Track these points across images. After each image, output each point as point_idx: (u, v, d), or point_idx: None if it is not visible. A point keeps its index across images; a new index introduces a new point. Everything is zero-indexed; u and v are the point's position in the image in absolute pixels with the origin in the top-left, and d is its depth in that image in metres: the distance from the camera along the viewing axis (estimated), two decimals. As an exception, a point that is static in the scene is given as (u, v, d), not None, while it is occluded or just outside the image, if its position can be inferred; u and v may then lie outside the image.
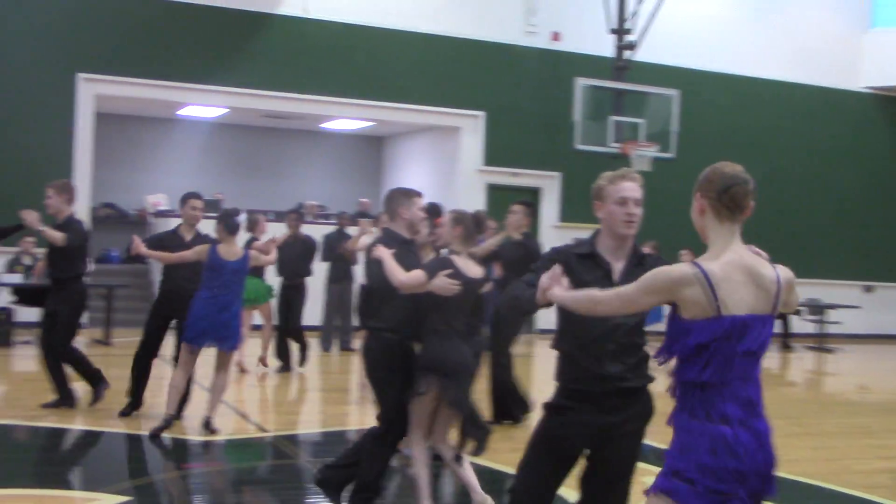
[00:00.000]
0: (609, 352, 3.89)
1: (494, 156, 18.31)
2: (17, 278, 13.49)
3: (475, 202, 18.08)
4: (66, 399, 8.78)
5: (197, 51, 16.23)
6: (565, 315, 3.90)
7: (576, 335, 3.92)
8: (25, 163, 15.05)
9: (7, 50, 15.06)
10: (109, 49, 15.71)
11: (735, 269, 3.28)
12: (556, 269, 3.64)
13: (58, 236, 8.25)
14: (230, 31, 16.47)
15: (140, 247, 8.15)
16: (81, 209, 15.49)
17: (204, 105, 17.60)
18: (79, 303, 8.75)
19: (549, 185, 18.63)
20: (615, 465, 4.00)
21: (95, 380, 8.96)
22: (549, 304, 3.74)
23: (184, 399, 8.23)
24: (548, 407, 4.03)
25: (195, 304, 7.76)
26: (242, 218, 9.57)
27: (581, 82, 17.10)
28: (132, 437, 8.06)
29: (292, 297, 11.98)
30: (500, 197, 18.45)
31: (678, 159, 17.99)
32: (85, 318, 14.99)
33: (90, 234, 9.14)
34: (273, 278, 12.09)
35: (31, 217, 8.34)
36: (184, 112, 18.64)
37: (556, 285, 3.61)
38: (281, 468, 7.43)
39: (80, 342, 14.20)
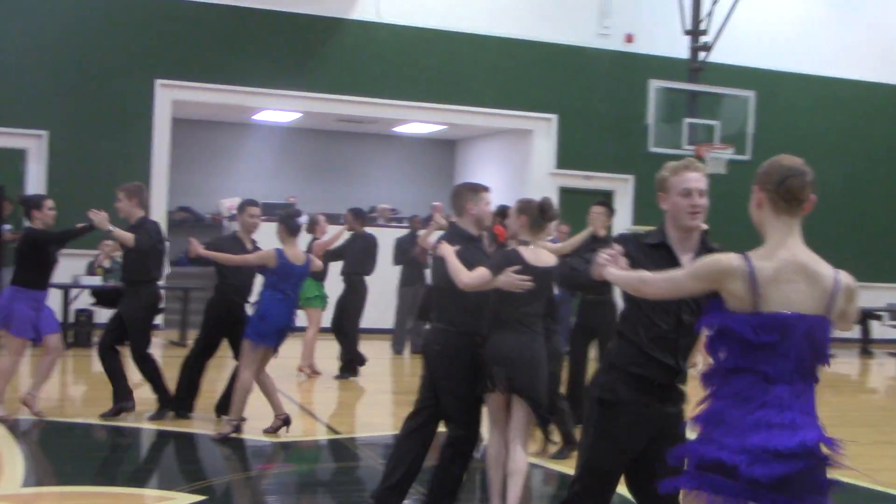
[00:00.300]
0: (673, 344, 3.87)
1: (567, 159, 18.21)
2: (96, 280, 13.76)
3: (547, 205, 18.01)
4: (123, 401, 8.53)
5: (271, 56, 16.41)
6: (636, 303, 3.87)
7: (645, 325, 3.88)
8: (105, 167, 15.35)
9: (89, 58, 15.37)
10: (186, 55, 15.96)
11: (788, 267, 3.25)
12: (617, 247, 3.65)
13: (128, 237, 8.18)
14: (304, 37, 16.63)
15: (198, 248, 8.17)
16: (158, 213, 15.78)
17: (278, 110, 17.78)
18: (149, 307, 8.60)
19: (623, 189, 18.47)
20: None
21: (166, 395, 8.66)
22: (604, 283, 3.77)
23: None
24: (605, 400, 3.95)
25: (269, 305, 7.74)
26: (304, 219, 9.62)
27: (655, 84, 16.92)
28: (207, 437, 8.17)
29: (346, 295, 11.86)
30: (572, 200, 18.34)
31: (754, 162, 17.65)
32: (160, 319, 15.33)
33: (164, 238, 9.05)
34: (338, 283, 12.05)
35: (99, 217, 8.21)
36: (258, 117, 18.86)
37: (612, 264, 3.61)
38: (351, 470, 7.46)
39: (157, 343, 14.50)
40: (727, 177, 17.42)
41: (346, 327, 11.77)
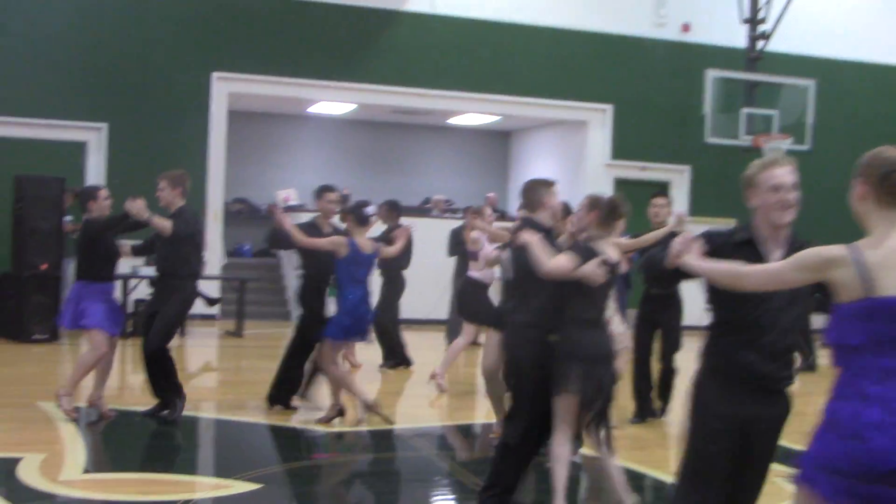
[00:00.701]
0: (771, 346, 3.80)
1: (622, 150, 18.07)
2: (153, 271, 13.92)
3: (602, 197, 17.89)
4: (175, 399, 8.07)
5: (326, 48, 16.48)
6: (729, 300, 3.77)
7: (739, 324, 3.81)
8: (163, 159, 15.48)
9: (147, 51, 15.57)
10: (242, 48, 16.09)
11: None
12: (689, 235, 3.60)
13: (165, 224, 7.75)
14: (358, 29, 16.67)
15: (281, 214, 8.05)
16: (215, 204, 15.96)
17: (333, 102, 17.86)
18: (185, 303, 8.12)
19: (679, 180, 18.29)
20: (757, 461, 3.90)
21: (171, 395, 8.08)
22: (680, 274, 3.72)
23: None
24: (703, 401, 3.89)
25: (352, 303, 7.72)
26: (372, 209, 9.61)
27: (712, 74, 16.73)
28: (264, 426, 8.25)
29: (384, 291, 11.60)
30: (628, 191, 18.14)
31: (814, 152, 17.44)
32: (216, 310, 15.50)
33: (202, 229, 8.63)
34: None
35: (135, 206, 7.79)
36: (313, 109, 18.97)
37: (687, 252, 3.56)
38: (406, 461, 7.48)
39: (213, 334, 14.69)
40: (786, 167, 17.21)
41: (387, 323, 11.53)
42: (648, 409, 8.56)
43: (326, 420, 7.98)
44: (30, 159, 14.53)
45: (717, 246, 3.79)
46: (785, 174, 3.88)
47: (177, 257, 7.94)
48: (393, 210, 11.72)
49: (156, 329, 7.87)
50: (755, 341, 3.79)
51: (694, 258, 3.60)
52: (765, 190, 3.87)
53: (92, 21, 15.32)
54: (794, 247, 3.79)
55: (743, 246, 3.85)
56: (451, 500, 6.14)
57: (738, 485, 3.90)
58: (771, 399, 3.88)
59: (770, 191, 3.85)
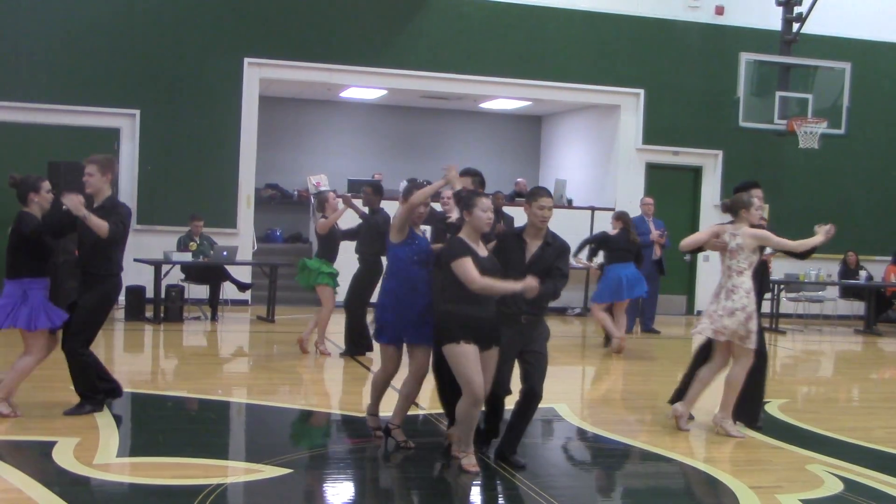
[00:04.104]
0: None
1: (654, 134, 17.94)
2: (186, 256, 14.02)
3: (634, 181, 17.80)
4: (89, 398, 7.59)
5: (357, 34, 16.47)
6: None
7: None
8: (195, 145, 15.63)
9: (179, 38, 15.64)
10: (273, 34, 16.12)
11: None
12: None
13: (102, 226, 7.19)
14: (389, 14, 16.65)
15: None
16: (247, 189, 16.02)
17: (364, 87, 17.86)
18: (105, 300, 7.61)
19: (711, 164, 18.15)
20: None
21: (89, 394, 7.59)
22: None
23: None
24: None
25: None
26: (325, 188, 9.41)
27: (746, 57, 16.56)
28: (295, 411, 8.29)
29: (361, 275, 10.91)
30: (659, 176, 18.09)
31: (849, 136, 17.24)
32: (248, 294, 15.58)
33: (128, 225, 7.70)
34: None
35: (72, 201, 7.10)
36: (345, 94, 18.97)
37: None
38: (434, 445, 7.47)
39: (245, 319, 14.77)
40: (821, 151, 17.01)
41: (354, 305, 11.01)
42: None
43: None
44: (63, 146, 14.65)
45: None
46: None
47: (100, 255, 7.47)
48: (377, 193, 10.98)
49: (75, 328, 7.49)
50: None
51: None
52: None
53: (124, 9, 15.41)
54: None
55: None
56: (484, 484, 6.14)
57: None
58: None
59: None
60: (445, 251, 6.22)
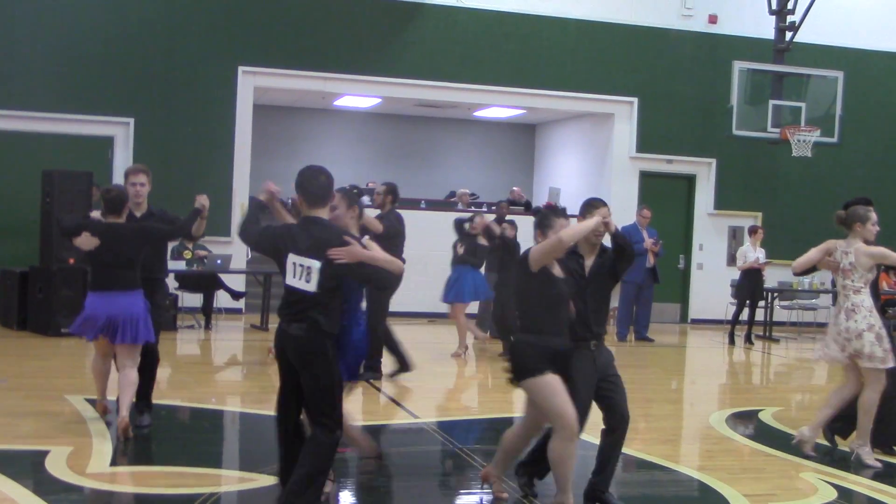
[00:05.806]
0: None
1: (648, 142, 17.98)
2: (181, 265, 14.00)
3: (628, 189, 17.83)
4: None
5: (351, 42, 16.49)
6: None
7: None
8: (189, 153, 15.62)
9: (173, 46, 15.64)
10: (268, 42, 16.13)
11: None
12: None
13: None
14: (384, 22, 16.67)
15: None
16: (241, 198, 15.97)
17: (358, 95, 17.87)
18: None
19: (704, 173, 18.18)
20: None
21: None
22: None
23: None
24: None
25: None
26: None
27: (739, 66, 16.61)
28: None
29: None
30: (653, 184, 18.12)
31: (842, 144, 17.29)
32: (242, 303, 15.55)
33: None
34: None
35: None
36: (339, 102, 18.99)
37: None
38: (429, 454, 7.46)
39: (239, 327, 14.75)
40: (814, 160, 17.05)
41: (374, 321, 9.70)
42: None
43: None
44: (58, 154, 14.64)
45: None
46: None
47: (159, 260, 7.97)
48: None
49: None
50: None
51: None
52: None
53: (118, 17, 15.41)
54: None
55: None
56: (482, 493, 6.13)
57: None
58: None
59: None
60: (521, 262, 5.65)
